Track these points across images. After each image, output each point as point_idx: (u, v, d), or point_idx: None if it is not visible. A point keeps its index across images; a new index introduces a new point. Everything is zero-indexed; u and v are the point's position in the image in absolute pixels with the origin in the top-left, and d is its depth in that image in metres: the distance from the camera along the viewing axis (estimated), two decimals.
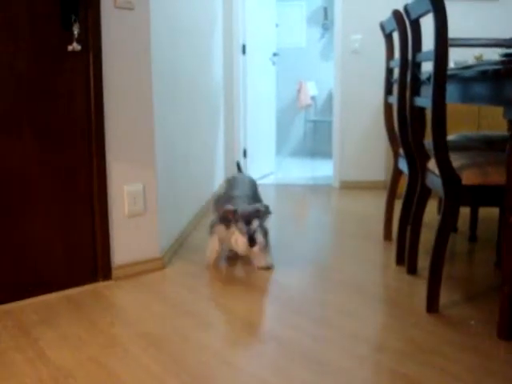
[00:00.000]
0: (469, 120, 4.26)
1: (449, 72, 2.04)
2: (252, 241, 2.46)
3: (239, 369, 1.70)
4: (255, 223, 2.48)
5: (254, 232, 2.47)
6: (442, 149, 1.98)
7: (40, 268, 2.29)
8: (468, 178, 1.99)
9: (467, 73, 1.97)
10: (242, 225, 2.48)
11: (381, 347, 1.83)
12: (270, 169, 5.81)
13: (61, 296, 2.32)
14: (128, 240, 2.54)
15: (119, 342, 1.88)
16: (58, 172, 2.30)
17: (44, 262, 2.30)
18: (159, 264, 2.65)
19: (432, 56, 1.94)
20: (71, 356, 1.78)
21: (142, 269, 2.59)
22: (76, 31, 2.24)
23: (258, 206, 2.57)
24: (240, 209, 2.52)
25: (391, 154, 3.14)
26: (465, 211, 3.32)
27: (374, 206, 4.09)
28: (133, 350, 1.82)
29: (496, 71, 1.72)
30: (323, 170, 6.07)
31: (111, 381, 1.63)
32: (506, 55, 1.80)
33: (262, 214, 2.56)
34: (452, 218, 2.05)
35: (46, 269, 2.31)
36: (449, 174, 2.00)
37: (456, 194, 2.01)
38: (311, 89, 7.15)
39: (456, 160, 2.08)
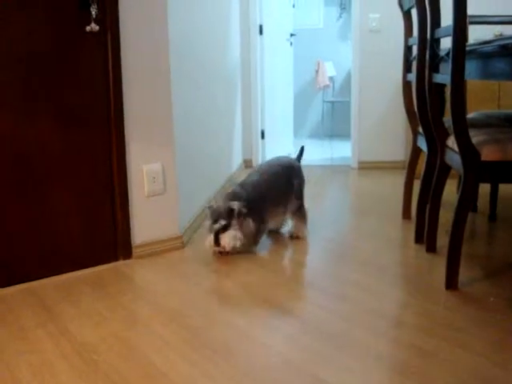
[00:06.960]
0: (489, 99, 4.20)
1: (468, 48, 2.01)
2: (216, 240, 2.46)
3: (258, 342, 1.72)
4: (221, 222, 2.44)
5: (219, 231, 2.45)
6: (462, 124, 1.96)
7: (62, 247, 2.33)
8: (487, 154, 1.97)
9: (487, 48, 1.94)
10: (209, 223, 2.50)
11: (399, 322, 1.84)
12: (288, 150, 5.79)
13: (82, 274, 2.35)
14: (148, 219, 2.56)
15: (140, 318, 1.91)
16: (78, 153, 2.32)
17: (66, 241, 2.34)
18: (179, 243, 2.67)
19: (451, 31, 1.92)
20: (93, 332, 1.82)
21: (162, 248, 2.61)
22: (94, 12, 2.25)
23: (232, 204, 2.47)
24: (214, 206, 2.51)
25: (410, 134, 3.11)
26: (485, 191, 3.29)
27: (392, 186, 4.07)
28: (154, 326, 1.85)
29: None
30: (342, 151, 6.04)
31: (133, 355, 1.66)
32: None
33: (236, 213, 2.46)
34: (471, 194, 2.04)
35: (67, 248, 2.35)
36: (468, 150, 1.98)
37: (475, 170, 2.00)
38: (329, 69, 7.09)
39: (475, 136, 2.07)
